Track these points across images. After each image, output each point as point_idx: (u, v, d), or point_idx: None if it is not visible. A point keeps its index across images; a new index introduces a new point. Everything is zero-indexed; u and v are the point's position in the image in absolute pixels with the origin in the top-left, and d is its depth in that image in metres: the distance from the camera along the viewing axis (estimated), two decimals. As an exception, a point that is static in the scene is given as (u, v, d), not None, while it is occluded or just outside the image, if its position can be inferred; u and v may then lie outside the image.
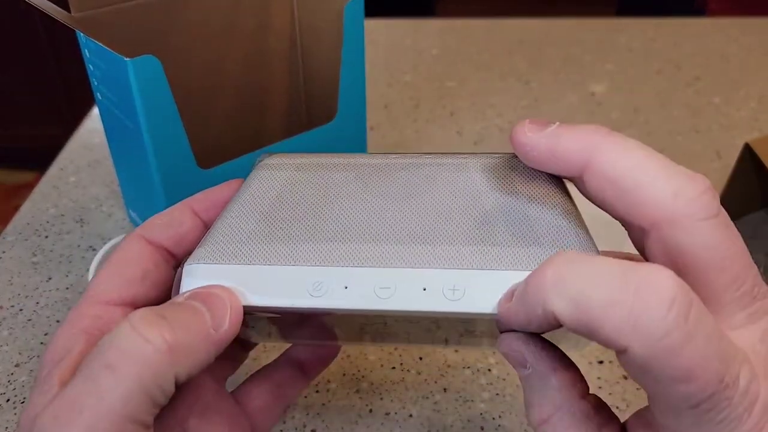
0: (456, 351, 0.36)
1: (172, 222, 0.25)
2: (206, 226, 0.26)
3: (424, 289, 0.21)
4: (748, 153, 0.41)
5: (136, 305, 0.23)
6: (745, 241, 0.27)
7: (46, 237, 0.46)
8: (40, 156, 0.94)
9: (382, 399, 0.34)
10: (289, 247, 0.23)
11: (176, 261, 0.25)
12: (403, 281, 0.21)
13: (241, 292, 0.22)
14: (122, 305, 0.23)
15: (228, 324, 0.21)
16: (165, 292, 0.24)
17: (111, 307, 0.23)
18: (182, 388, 0.21)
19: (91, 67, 0.39)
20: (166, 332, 0.19)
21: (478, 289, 0.21)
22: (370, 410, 0.33)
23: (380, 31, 0.76)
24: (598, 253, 0.22)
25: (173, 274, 0.25)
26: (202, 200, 0.26)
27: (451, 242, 0.22)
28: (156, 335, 0.19)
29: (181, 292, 0.22)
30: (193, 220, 0.25)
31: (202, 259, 0.23)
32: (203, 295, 0.21)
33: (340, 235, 0.23)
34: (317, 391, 0.34)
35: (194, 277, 0.22)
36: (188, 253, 0.24)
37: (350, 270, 0.22)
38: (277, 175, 0.26)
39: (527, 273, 0.19)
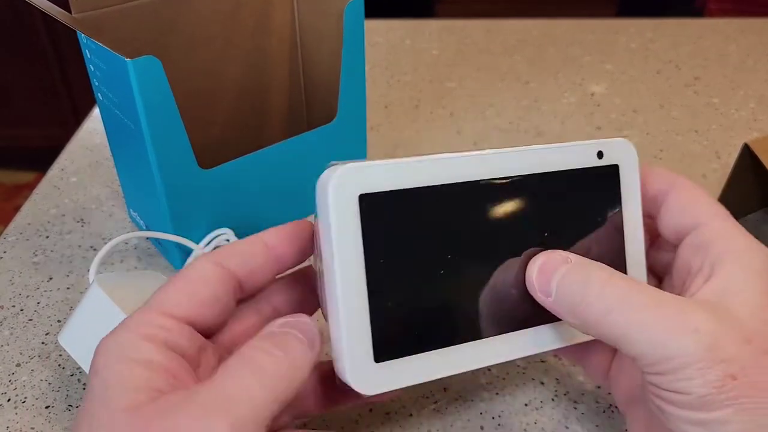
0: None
1: (245, 253, 0.25)
2: (277, 262, 0.26)
3: None
4: (747, 153, 0.41)
5: (197, 325, 0.24)
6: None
7: (47, 237, 0.46)
8: (41, 156, 0.94)
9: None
10: None
11: (243, 293, 0.26)
12: None
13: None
14: (187, 323, 0.24)
15: (317, 343, 0.24)
16: (224, 319, 0.25)
17: (177, 322, 0.23)
18: None
19: (91, 67, 0.39)
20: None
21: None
22: (370, 410, 0.33)
23: (380, 32, 0.76)
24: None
25: (235, 305, 0.26)
26: (273, 235, 0.26)
27: None
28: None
29: (322, 183, 0.24)
30: (265, 255, 0.26)
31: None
32: (293, 324, 0.24)
33: None
34: (317, 391, 0.35)
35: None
36: (258, 288, 0.26)
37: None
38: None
39: None
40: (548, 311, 0.26)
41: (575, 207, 0.28)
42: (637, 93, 0.63)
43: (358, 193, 0.24)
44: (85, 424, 0.21)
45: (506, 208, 0.27)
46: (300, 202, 0.46)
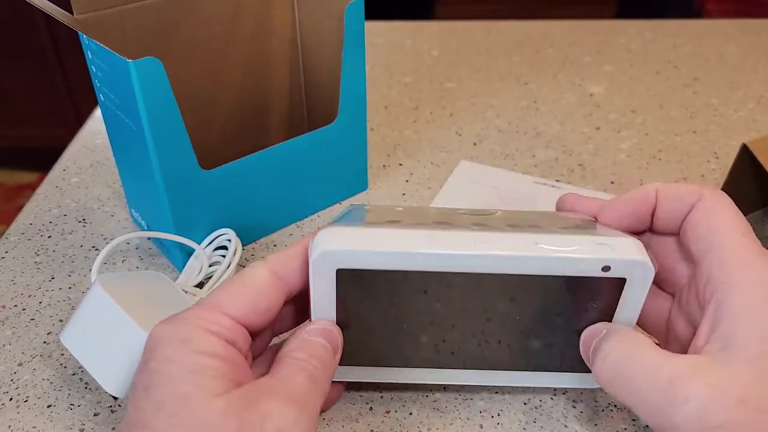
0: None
1: (296, 265, 0.28)
2: None
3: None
4: (745, 154, 0.41)
5: (249, 328, 0.26)
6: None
7: (49, 237, 0.46)
8: (43, 157, 0.95)
9: (382, 397, 0.34)
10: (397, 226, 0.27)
11: (291, 299, 0.29)
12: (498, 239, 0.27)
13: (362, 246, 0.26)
14: (242, 325, 0.26)
15: (340, 348, 0.28)
16: (270, 324, 0.28)
17: (234, 323, 0.25)
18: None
19: (93, 68, 0.39)
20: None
21: (552, 243, 0.26)
22: (371, 408, 0.34)
23: (380, 33, 0.77)
24: None
25: (282, 310, 0.28)
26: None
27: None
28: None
29: (312, 248, 0.27)
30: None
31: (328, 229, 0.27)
32: (322, 332, 0.27)
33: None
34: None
35: (324, 236, 0.27)
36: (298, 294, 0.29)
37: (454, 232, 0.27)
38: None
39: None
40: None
41: (560, 302, 0.28)
42: (636, 93, 0.63)
43: (336, 268, 0.27)
44: (160, 407, 0.23)
45: (477, 297, 0.28)
46: (301, 203, 0.46)
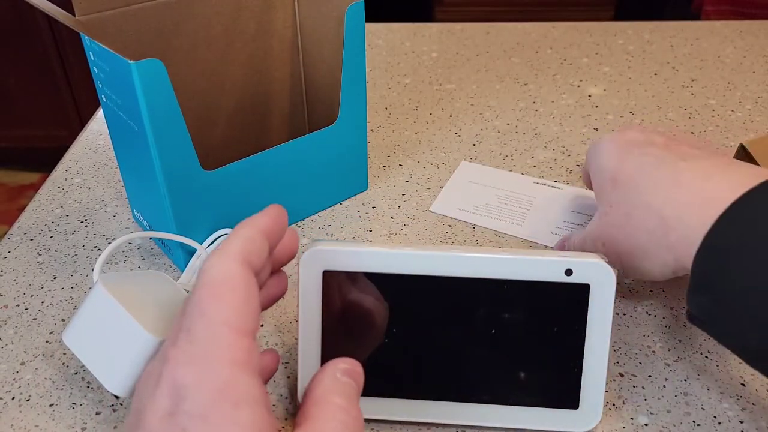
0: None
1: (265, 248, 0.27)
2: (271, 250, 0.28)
3: None
4: (743, 154, 0.42)
5: (252, 334, 0.24)
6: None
7: (51, 237, 0.46)
8: (45, 157, 0.95)
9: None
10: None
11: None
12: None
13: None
14: (250, 336, 0.24)
15: (362, 385, 0.28)
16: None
17: (252, 341, 0.24)
18: None
19: (95, 69, 0.39)
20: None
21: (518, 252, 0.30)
22: (371, 407, 0.34)
23: (380, 35, 0.77)
24: None
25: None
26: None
27: None
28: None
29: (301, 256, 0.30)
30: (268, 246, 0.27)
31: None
32: (351, 372, 0.28)
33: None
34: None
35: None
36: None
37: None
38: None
39: None
40: (491, 392, 0.31)
41: (532, 314, 0.30)
42: (634, 94, 0.63)
43: (322, 269, 0.30)
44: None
45: (455, 301, 0.30)
46: (302, 203, 0.47)
